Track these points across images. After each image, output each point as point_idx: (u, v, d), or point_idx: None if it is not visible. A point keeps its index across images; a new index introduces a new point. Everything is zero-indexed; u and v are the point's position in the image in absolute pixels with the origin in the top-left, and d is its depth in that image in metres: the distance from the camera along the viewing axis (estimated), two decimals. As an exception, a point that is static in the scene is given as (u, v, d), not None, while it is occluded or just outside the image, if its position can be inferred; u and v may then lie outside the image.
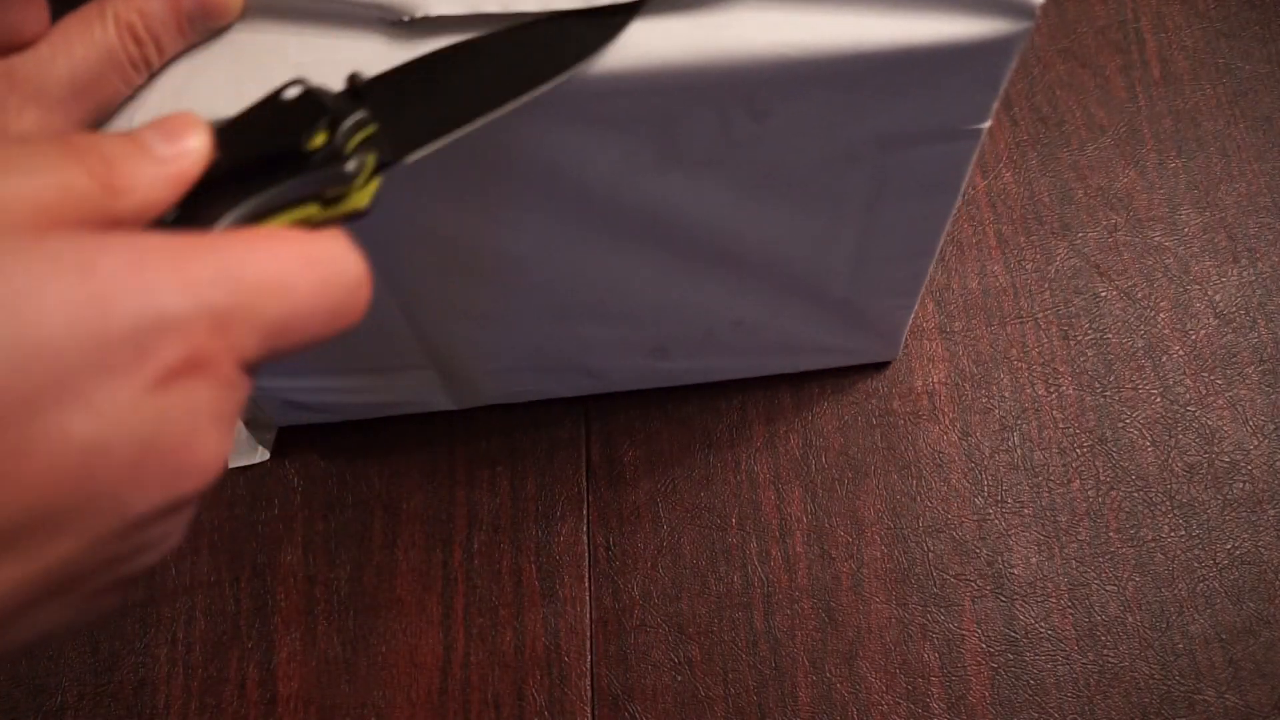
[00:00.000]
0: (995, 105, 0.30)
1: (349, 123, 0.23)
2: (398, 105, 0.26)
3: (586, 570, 0.45)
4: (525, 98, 0.26)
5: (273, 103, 0.23)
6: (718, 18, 0.27)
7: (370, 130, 0.23)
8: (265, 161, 0.22)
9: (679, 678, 0.43)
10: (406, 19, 0.27)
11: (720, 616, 0.44)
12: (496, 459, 0.47)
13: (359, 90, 0.25)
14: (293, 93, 0.23)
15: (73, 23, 0.26)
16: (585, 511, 0.46)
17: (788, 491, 0.46)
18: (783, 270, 0.38)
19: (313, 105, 0.23)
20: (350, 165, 0.23)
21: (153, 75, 0.28)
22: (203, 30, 0.28)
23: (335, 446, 0.47)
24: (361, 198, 0.23)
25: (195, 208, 0.21)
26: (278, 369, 0.43)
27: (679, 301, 0.39)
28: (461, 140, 0.31)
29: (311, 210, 0.22)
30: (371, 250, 0.35)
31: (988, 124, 0.31)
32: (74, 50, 0.25)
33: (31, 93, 0.25)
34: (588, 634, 0.44)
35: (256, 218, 0.21)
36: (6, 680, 0.44)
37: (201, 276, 0.18)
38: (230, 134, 0.22)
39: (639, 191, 0.33)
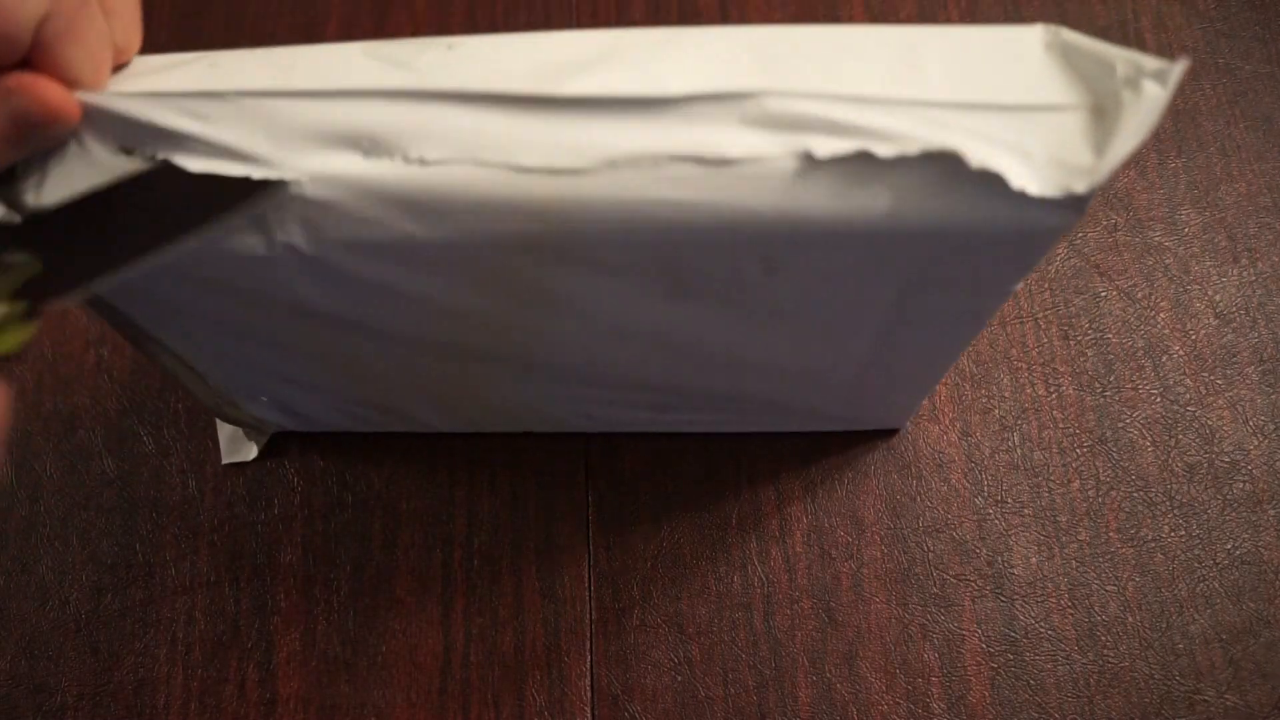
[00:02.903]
0: (1030, 272, 0.29)
1: None
2: (67, 242, 0.23)
3: (586, 570, 0.45)
4: (174, 247, 0.24)
5: None
6: (739, 172, 0.25)
7: (31, 271, 0.21)
8: None
9: (679, 678, 0.43)
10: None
11: (720, 616, 0.44)
12: (496, 459, 0.47)
13: (21, 229, 0.23)
14: None
15: None
16: (585, 512, 0.46)
17: (788, 491, 0.46)
18: (791, 375, 0.38)
19: None
20: None
21: (128, 68, 0.27)
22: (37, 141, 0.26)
23: (335, 446, 0.47)
24: (8, 343, 0.21)
25: None
26: (272, 404, 0.43)
27: (684, 384, 0.39)
28: (468, 254, 0.29)
29: None
30: (366, 312, 0.34)
31: (1018, 286, 0.30)
32: None
33: None
34: (588, 634, 0.44)
35: None
36: (6, 680, 0.44)
37: None
38: None
39: (648, 315, 0.32)
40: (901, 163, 0.25)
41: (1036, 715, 0.42)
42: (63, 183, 0.25)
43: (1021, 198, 0.25)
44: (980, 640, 0.43)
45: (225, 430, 0.47)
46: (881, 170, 0.25)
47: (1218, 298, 0.49)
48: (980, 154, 0.24)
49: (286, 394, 0.42)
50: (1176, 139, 0.53)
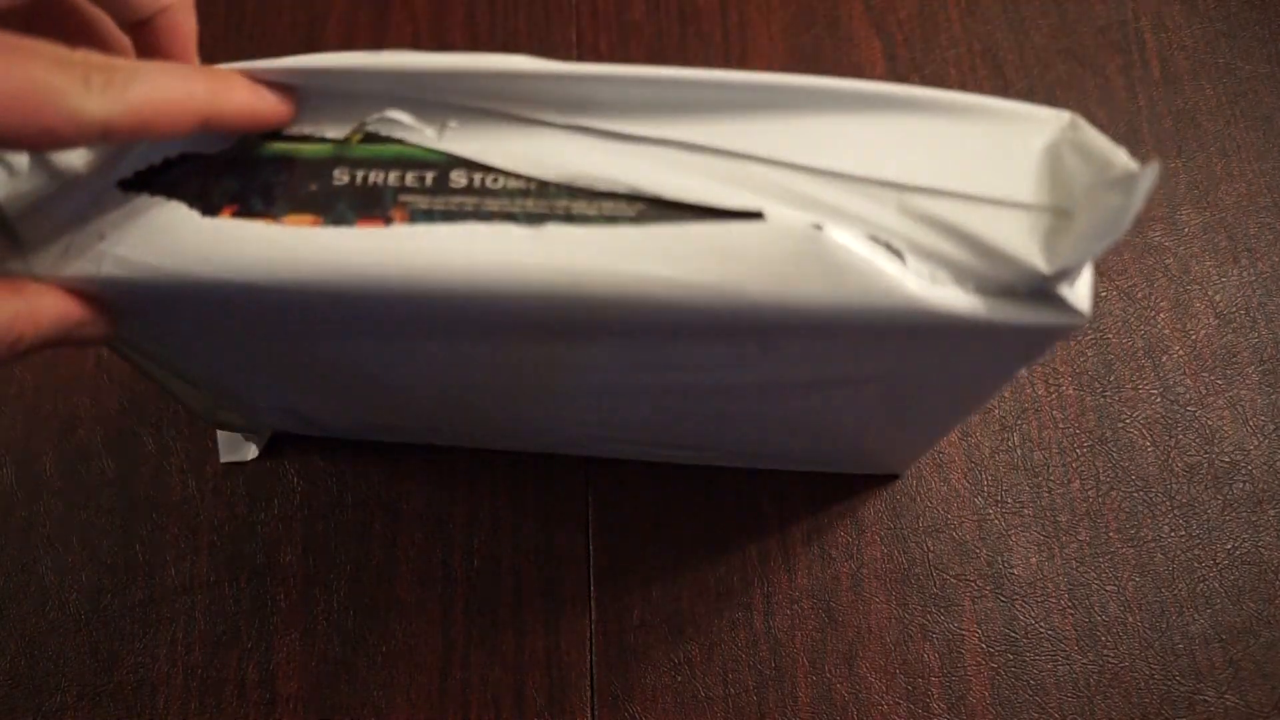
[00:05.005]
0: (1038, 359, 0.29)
1: None
2: None
3: (586, 570, 0.45)
4: None
5: None
6: (735, 262, 0.25)
7: None
8: None
9: (679, 678, 0.43)
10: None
11: (720, 616, 0.44)
12: (497, 459, 0.47)
13: None
14: None
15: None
16: (585, 511, 0.46)
17: (788, 491, 0.46)
18: (787, 431, 0.38)
19: None
20: None
21: None
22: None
23: (335, 446, 0.47)
24: None
25: None
26: (271, 411, 0.43)
27: (680, 429, 0.39)
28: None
29: None
30: (381, 364, 0.34)
31: (1032, 366, 0.30)
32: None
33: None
34: (588, 634, 0.44)
35: None
36: (6, 680, 0.44)
37: None
38: None
39: (642, 378, 0.32)
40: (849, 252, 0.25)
41: (1036, 715, 0.42)
42: None
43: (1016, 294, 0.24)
44: (980, 640, 0.43)
45: (223, 431, 0.47)
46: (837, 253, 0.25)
47: (1218, 298, 0.49)
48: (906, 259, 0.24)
49: (286, 405, 0.42)
50: (1176, 139, 0.53)
